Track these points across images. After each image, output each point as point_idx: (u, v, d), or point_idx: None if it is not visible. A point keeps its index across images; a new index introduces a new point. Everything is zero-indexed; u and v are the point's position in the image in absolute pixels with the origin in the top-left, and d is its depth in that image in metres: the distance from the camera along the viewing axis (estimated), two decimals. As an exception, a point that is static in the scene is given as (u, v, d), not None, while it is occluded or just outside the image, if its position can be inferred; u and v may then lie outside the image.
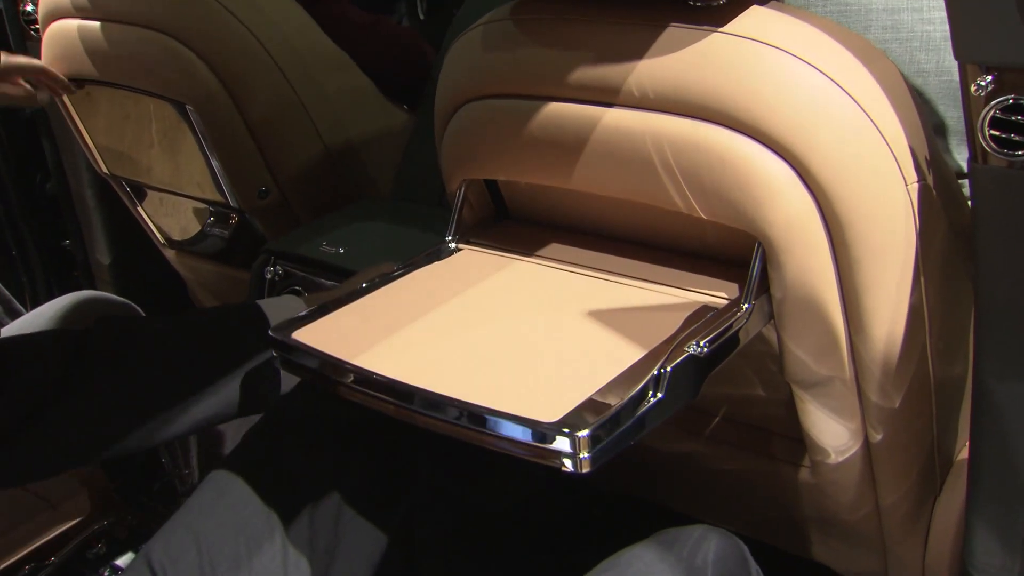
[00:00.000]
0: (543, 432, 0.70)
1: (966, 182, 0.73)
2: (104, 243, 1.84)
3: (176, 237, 1.72)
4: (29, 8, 1.62)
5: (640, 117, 0.79)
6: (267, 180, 1.49)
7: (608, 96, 0.80)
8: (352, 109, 1.57)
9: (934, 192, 0.79)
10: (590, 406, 0.71)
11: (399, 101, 1.64)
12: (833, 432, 0.88)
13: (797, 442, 0.95)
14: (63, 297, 1.32)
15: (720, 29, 0.75)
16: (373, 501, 1.01)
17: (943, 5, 0.67)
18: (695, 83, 0.76)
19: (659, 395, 0.73)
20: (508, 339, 0.84)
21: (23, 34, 1.65)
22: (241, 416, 0.97)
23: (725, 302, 0.83)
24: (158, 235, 1.74)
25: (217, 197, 1.52)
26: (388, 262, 1.12)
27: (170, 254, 1.76)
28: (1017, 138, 0.67)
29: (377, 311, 0.91)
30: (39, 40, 1.52)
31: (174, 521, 0.94)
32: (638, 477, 1.18)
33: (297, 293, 1.31)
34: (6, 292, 1.67)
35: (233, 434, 1.47)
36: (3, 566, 1.17)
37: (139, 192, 1.68)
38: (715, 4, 0.75)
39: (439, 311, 0.89)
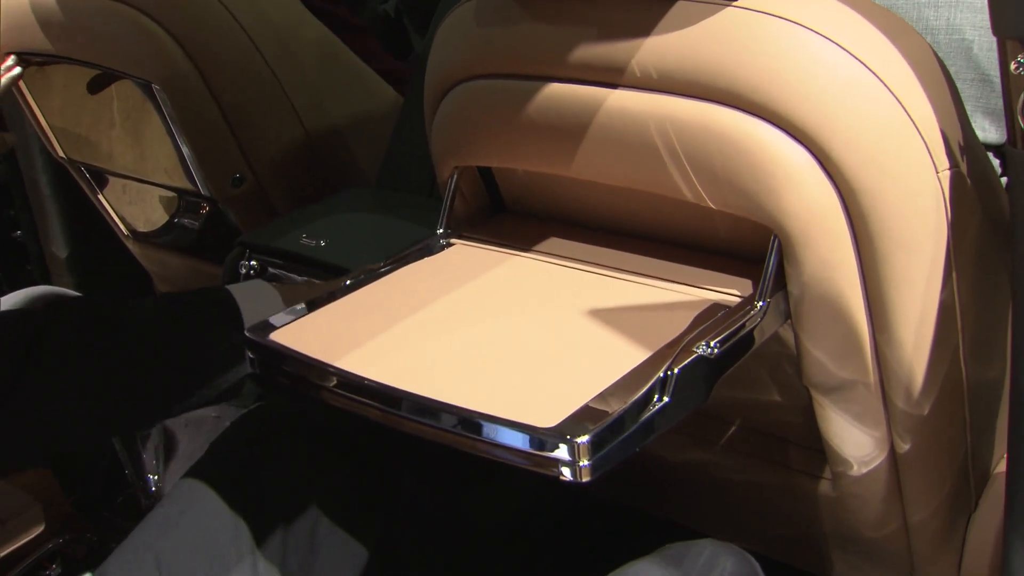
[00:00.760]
0: (539, 438, 0.70)
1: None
2: (60, 234, 1.85)
3: (141, 228, 1.72)
4: (-22, -23, 1.62)
5: (645, 99, 0.79)
6: (241, 166, 1.49)
7: (611, 76, 0.81)
8: (335, 90, 1.58)
9: (968, 179, 0.80)
10: (590, 411, 0.71)
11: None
12: (856, 441, 0.88)
13: (816, 452, 0.95)
14: (15, 293, 1.33)
15: (733, 3, 0.75)
16: (350, 516, 1.01)
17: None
18: (705, 61, 0.76)
19: (666, 399, 0.73)
20: (503, 339, 0.84)
21: (-29, 5, 1.66)
22: (206, 406, 0.98)
23: (738, 300, 0.83)
24: (121, 226, 1.74)
25: (187, 185, 1.53)
26: (377, 261, 1.13)
27: (134, 247, 1.77)
28: (1059, 121, 0.68)
29: (362, 310, 0.91)
30: (-11, 12, 1.52)
31: (133, 539, 0.95)
32: (641, 488, 1.18)
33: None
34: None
35: (203, 442, 1.48)
36: (-57, 590, 1.17)
37: (100, 179, 1.68)
38: (727, -25, 0.75)
39: (430, 310, 0.89)
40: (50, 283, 1.89)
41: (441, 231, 1.01)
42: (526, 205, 1.03)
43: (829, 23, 0.75)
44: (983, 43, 1.03)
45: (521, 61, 0.86)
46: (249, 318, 0.94)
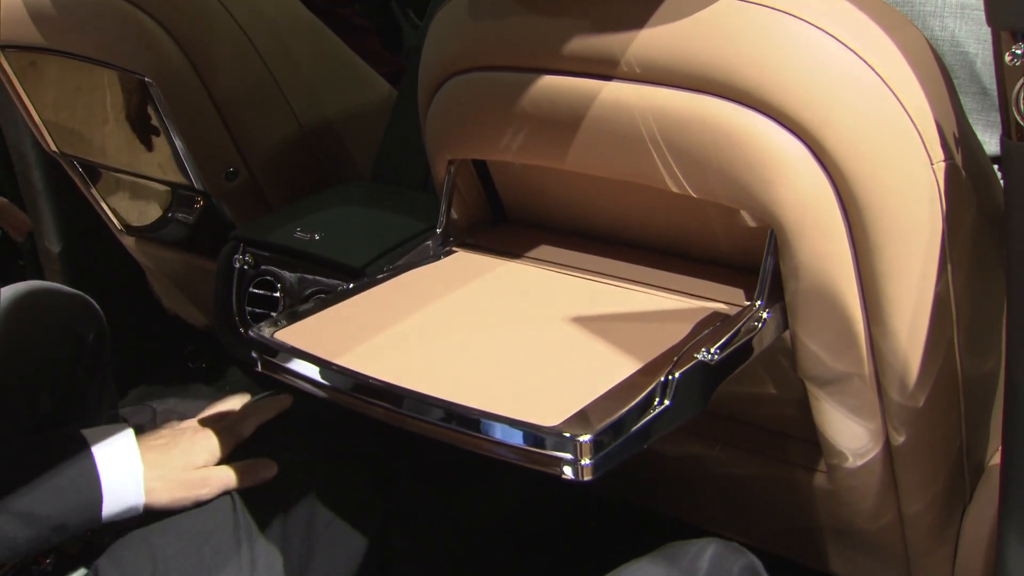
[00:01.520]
0: (542, 436, 0.71)
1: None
2: (53, 229, 1.85)
3: (135, 223, 1.72)
4: (-30, -30, 1.62)
5: (639, 91, 0.79)
6: (235, 160, 1.49)
7: (604, 68, 0.81)
8: (329, 83, 1.57)
9: (963, 172, 0.80)
10: (593, 411, 0.72)
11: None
12: (851, 433, 0.88)
13: (812, 445, 0.95)
14: (7, 288, 1.32)
15: (727, -7, 0.76)
16: (349, 512, 1.01)
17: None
18: (699, 53, 0.76)
19: (666, 403, 0.74)
20: (505, 342, 0.85)
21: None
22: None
23: (737, 309, 0.84)
24: (114, 220, 1.74)
25: (180, 179, 1.52)
26: (371, 255, 1.12)
27: (128, 241, 1.76)
28: (1055, 112, 0.68)
29: (366, 312, 0.92)
30: (-20, 5, 1.52)
31: (130, 533, 0.95)
32: (639, 484, 1.19)
33: (268, 284, 1.31)
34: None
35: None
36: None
37: (93, 173, 1.68)
38: (721, -34, 0.75)
39: (433, 313, 0.90)
40: (43, 278, 1.89)
41: (440, 230, 1.01)
42: (526, 214, 1.03)
43: (824, 15, 0.75)
44: (986, 57, 1.04)
45: (514, 54, 0.86)
46: (104, 465, 0.92)
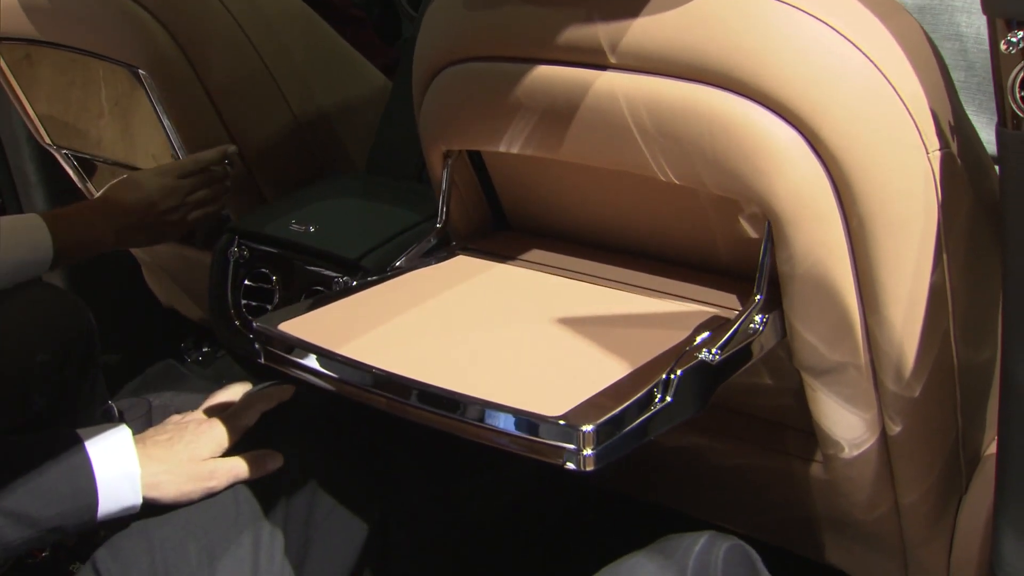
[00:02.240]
0: (545, 426, 0.71)
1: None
2: (48, 222, 1.84)
3: (130, 216, 1.72)
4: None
5: (633, 80, 0.79)
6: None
7: (598, 57, 0.80)
8: (323, 75, 1.57)
9: (959, 160, 0.80)
10: (595, 403, 0.73)
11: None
12: (847, 423, 0.88)
13: (808, 435, 0.95)
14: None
15: (722, -18, 0.75)
16: (348, 503, 1.02)
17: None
18: (694, 42, 0.76)
19: (668, 399, 0.75)
20: (508, 339, 0.85)
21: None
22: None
23: (738, 313, 0.84)
24: (110, 214, 1.73)
25: (174, 171, 1.52)
26: (367, 247, 1.12)
27: (123, 235, 1.76)
28: (1050, 100, 0.68)
29: (368, 308, 0.93)
30: (-27, -2, 1.51)
31: (130, 525, 0.95)
32: (636, 475, 1.19)
33: (263, 277, 1.31)
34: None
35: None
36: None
37: (88, 166, 1.68)
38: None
39: (435, 309, 0.90)
40: (38, 271, 1.88)
41: (440, 225, 1.01)
42: (528, 222, 1.04)
43: (820, 3, 0.75)
44: None
45: (508, 44, 0.86)
46: (100, 465, 0.93)
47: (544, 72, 0.84)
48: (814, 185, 0.76)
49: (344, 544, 1.01)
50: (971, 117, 0.97)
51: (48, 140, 1.65)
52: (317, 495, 1.00)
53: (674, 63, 0.77)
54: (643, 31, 0.78)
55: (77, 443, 0.93)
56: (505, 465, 1.25)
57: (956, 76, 1.02)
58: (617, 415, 0.72)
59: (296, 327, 0.88)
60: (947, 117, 0.79)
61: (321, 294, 0.96)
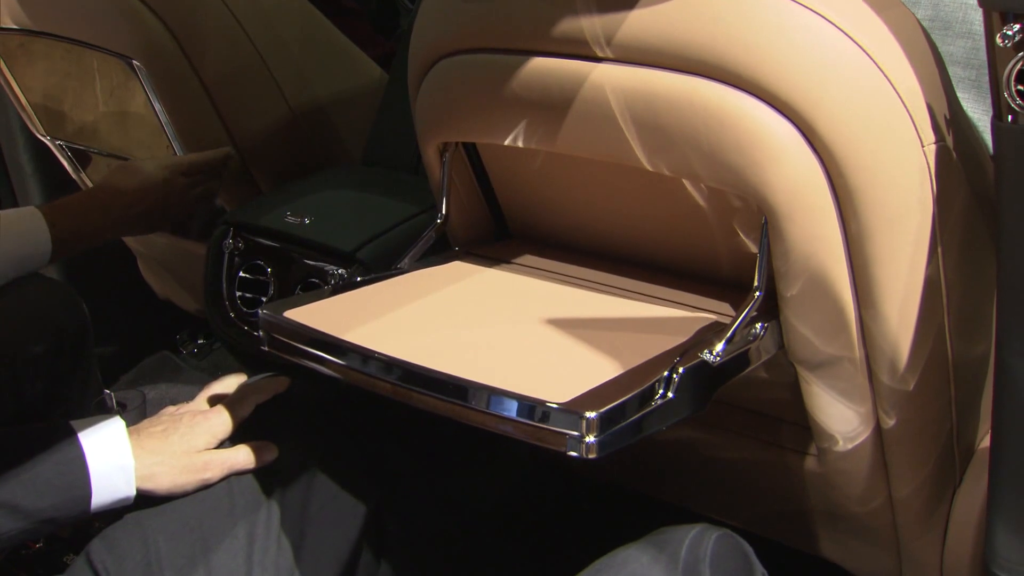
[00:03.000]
0: (549, 412, 0.72)
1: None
2: (43, 213, 1.83)
3: (125, 207, 1.71)
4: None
5: (628, 72, 0.79)
6: (225, 144, 1.48)
7: (593, 50, 0.80)
8: (319, 65, 1.57)
9: (954, 154, 0.80)
10: (599, 393, 0.74)
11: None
12: (841, 417, 0.89)
13: (803, 428, 0.95)
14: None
15: (718, -25, 0.75)
16: (342, 495, 1.02)
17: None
18: (690, 34, 0.75)
19: (670, 395, 0.76)
20: (513, 334, 0.86)
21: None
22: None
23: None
24: (105, 205, 1.73)
25: (169, 163, 1.51)
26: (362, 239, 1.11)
27: (118, 226, 1.75)
28: (1047, 94, 0.68)
29: (373, 301, 0.94)
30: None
31: (124, 517, 0.95)
32: (631, 468, 1.19)
33: (258, 268, 1.31)
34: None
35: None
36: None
37: (82, 157, 1.67)
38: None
39: (441, 306, 0.91)
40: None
41: (440, 220, 1.01)
42: (530, 230, 1.05)
43: (815, -4, 0.75)
44: None
45: (504, 35, 0.86)
46: (93, 456, 0.93)
47: (539, 64, 0.84)
48: (809, 178, 0.76)
49: (339, 536, 1.02)
50: (982, 117, 0.97)
51: (43, 131, 1.64)
52: (312, 487, 1.00)
53: (669, 55, 0.77)
54: (638, 23, 0.78)
55: (70, 435, 0.93)
56: (499, 458, 1.25)
57: (967, 74, 1.03)
58: (620, 405, 0.72)
59: (301, 315, 0.89)
60: (942, 110, 0.79)
61: (325, 287, 0.96)
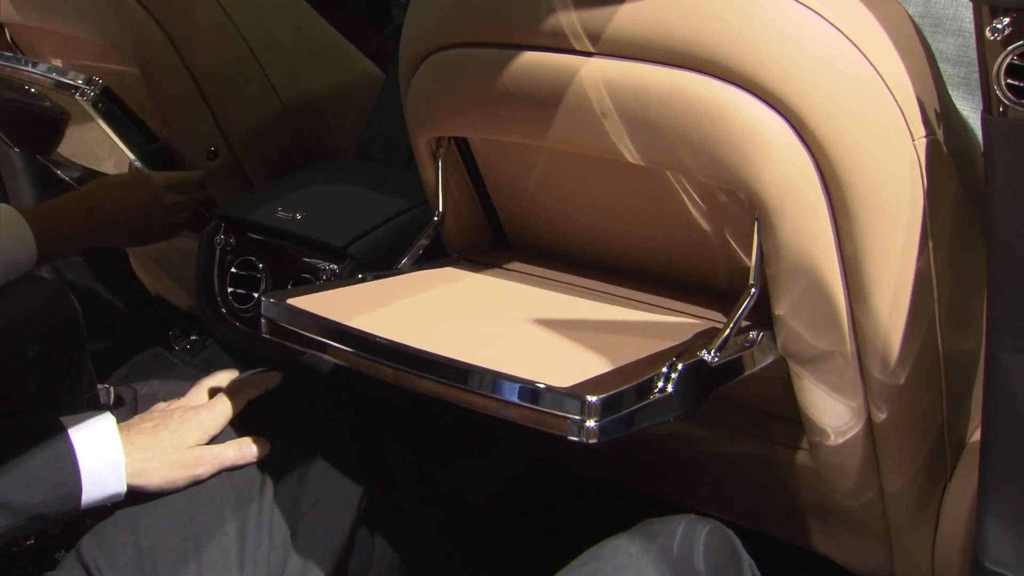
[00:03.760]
0: (551, 395, 0.72)
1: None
2: (33, 210, 1.83)
3: (116, 203, 1.71)
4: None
5: (618, 66, 0.79)
6: (216, 139, 1.48)
7: (583, 44, 0.80)
8: (311, 61, 1.56)
9: (944, 148, 0.80)
10: (600, 381, 0.74)
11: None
12: (833, 411, 0.89)
13: (794, 423, 0.96)
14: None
15: (707, -31, 0.75)
16: (334, 490, 1.02)
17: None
18: (679, 28, 0.75)
19: (669, 389, 0.76)
20: (514, 331, 0.86)
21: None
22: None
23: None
24: (96, 201, 1.72)
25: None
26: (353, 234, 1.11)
27: (110, 222, 1.75)
28: (1037, 88, 0.68)
29: (374, 294, 0.94)
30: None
31: (115, 513, 0.95)
32: (622, 462, 1.19)
33: (250, 264, 1.30)
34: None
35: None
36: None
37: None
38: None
39: (441, 303, 0.91)
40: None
41: (437, 218, 1.01)
42: (528, 240, 1.05)
43: (804, -11, 0.74)
44: None
45: (494, 30, 0.86)
46: (84, 452, 0.92)
47: (529, 58, 0.84)
48: (800, 172, 0.76)
49: (331, 531, 1.02)
50: (972, 113, 0.98)
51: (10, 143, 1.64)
52: (304, 482, 1.00)
53: (659, 49, 0.77)
54: (629, 17, 0.78)
55: (60, 431, 0.93)
56: (492, 453, 1.25)
57: (957, 71, 1.03)
58: (621, 393, 0.73)
59: (303, 304, 0.89)
60: (933, 104, 0.79)
61: (323, 282, 0.96)
